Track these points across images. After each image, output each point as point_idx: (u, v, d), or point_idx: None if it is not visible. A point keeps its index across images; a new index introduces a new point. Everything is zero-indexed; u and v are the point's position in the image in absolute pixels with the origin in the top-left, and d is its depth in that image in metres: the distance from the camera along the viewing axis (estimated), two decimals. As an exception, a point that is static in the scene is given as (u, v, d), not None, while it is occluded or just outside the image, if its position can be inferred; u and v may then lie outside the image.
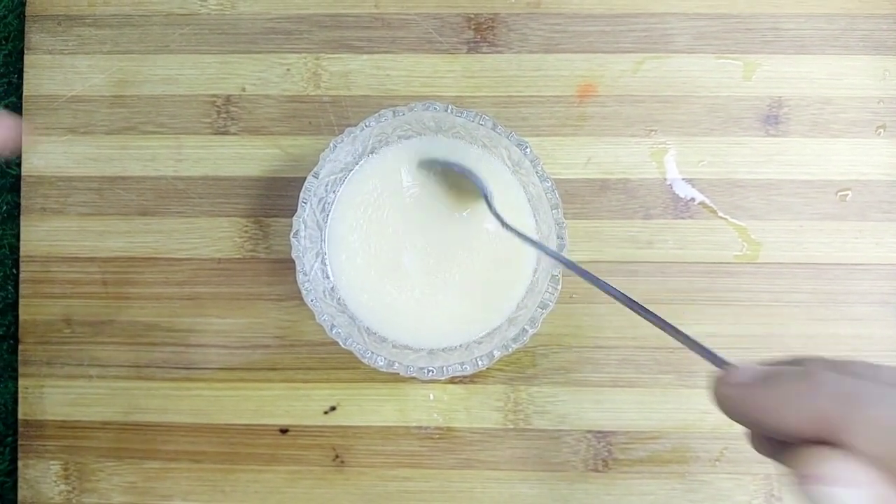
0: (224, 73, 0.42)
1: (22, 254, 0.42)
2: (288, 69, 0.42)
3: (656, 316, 0.26)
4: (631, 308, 0.27)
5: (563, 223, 0.35)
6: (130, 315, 0.41)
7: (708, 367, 0.23)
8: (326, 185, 0.37)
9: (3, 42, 0.44)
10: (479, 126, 0.36)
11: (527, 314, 0.36)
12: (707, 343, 0.24)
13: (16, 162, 0.43)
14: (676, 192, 0.41)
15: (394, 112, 0.36)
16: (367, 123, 0.36)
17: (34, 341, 0.42)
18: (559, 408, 0.41)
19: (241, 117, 0.42)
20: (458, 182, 0.37)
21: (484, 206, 0.37)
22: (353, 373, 0.41)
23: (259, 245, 0.42)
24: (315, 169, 0.36)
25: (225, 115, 0.42)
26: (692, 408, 0.40)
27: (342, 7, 0.43)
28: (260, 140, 0.42)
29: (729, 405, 0.22)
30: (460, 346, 0.37)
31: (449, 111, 0.36)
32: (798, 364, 0.22)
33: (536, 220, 0.37)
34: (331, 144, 0.36)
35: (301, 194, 0.35)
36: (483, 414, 0.41)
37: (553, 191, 0.35)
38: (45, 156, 0.42)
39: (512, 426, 0.41)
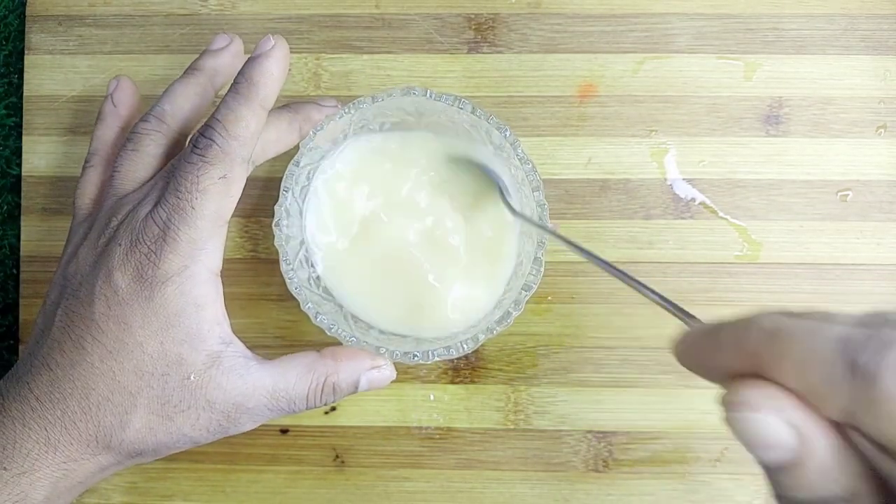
0: (224, 73, 0.42)
1: (22, 254, 0.42)
2: (288, 69, 0.42)
3: (621, 272, 0.27)
4: (607, 270, 0.28)
5: (544, 205, 0.35)
6: (131, 315, 0.41)
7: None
8: (308, 173, 0.37)
9: (4, 42, 0.44)
10: (459, 110, 0.36)
11: (511, 297, 0.36)
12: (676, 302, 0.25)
13: (16, 162, 0.43)
14: (677, 193, 0.41)
15: (373, 98, 0.36)
16: (346, 110, 0.36)
17: (34, 341, 0.42)
18: (559, 408, 0.41)
19: (241, 117, 0.42)
20: (468, 180, 0.37)
21: (471, 196, 0.37)
22: (354, 373, 0.41)
23: (259, 245, 0.42)
24: (296, 157, 0.36)
25: (225, 115, 0.42)
26: (693, 408, 0.40)
27: (342, 7, 0.43)
28: (260, 140, 0.42)
29: (681, 356, 0.23)
30: (446, 333, 0.37)
31: (428, 96, 0.35)
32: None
33: (520, 203, 0.37)
34: (311, 132, 0.35)
35: (282, 182, 0.35)
36: (483, 414, 0.41)
37: (534, 172, 0.35)
38: (45, 156, 0.42)
39: (512, 426, 0.41)
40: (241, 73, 0.32)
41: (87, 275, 0.31)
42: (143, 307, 0.30)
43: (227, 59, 0.36)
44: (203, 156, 0.31)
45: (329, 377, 0.33)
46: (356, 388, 0.33)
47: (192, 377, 0.31)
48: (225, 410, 0.31)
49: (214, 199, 0.31)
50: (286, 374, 0.32)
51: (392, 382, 0.40)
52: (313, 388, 0.32)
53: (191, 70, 0.36)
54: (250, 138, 0.32)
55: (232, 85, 0.32)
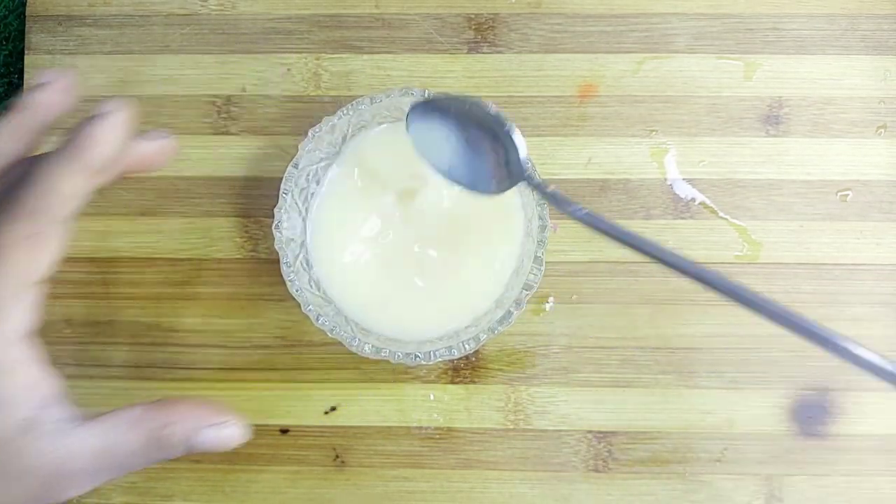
0: (224, 73, 0.42)
1: (22, 254, 0.42)
2: (288, 69, 0.42)
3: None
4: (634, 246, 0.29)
5: (544, 204, 0.35)
6: (130, 315, 0.41)
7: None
8: (308, 176, 0.37)
9: (3, 42, 0.44)
10: None
11: (512, 296, 0.36)
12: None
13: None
14: (677, 193, 0.41)
15: (371, 99, 0.36)
16: (345, 112, 0.36)
17: (34, 341, 0.42)
18: (559, 408, 0.41)
19: (241, 117, 0.42)
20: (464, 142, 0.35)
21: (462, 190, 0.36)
22: (354, 373, 0.41)
23: (259, 245, 0.42)
24: (294, 159, 0.36)
25: (225, 116, 0.42)
26: (692, 408, 0.40)
27: (342, 7, 0.43)
28: (260, 140, 0.42)
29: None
30: (448, 333, 0.37)
31: (427, 96, 0.35)
32: None
33: (522, 198, 0.37)
34: (309, 134, 0.36)
35: (282, 185, 0.35)
36: (483, 414, 0.41)
37: (532, 168, 0.35)
38: (46, 156, 0.42)
39: (512, 426, 0.41)
40: (72, 130, 0.29)
41: None
42: None
43: (53, 95, 0.33)
44: (9, 211, 0.28)
45: (162, 429, 0.29)
46: (189, 445, 0.29)
47: (2, 446, 0.28)
48: (41, 478, 0.28)
49: (20, 259, 0.28)
50: (112, 431, 0.29)
51: (392, 382, 0.41)
52: (143, 443, 0.29)
53: (13, 108, 0.32)
54: (66, 199, 0.29)
55: (62, 142, 0.29)
